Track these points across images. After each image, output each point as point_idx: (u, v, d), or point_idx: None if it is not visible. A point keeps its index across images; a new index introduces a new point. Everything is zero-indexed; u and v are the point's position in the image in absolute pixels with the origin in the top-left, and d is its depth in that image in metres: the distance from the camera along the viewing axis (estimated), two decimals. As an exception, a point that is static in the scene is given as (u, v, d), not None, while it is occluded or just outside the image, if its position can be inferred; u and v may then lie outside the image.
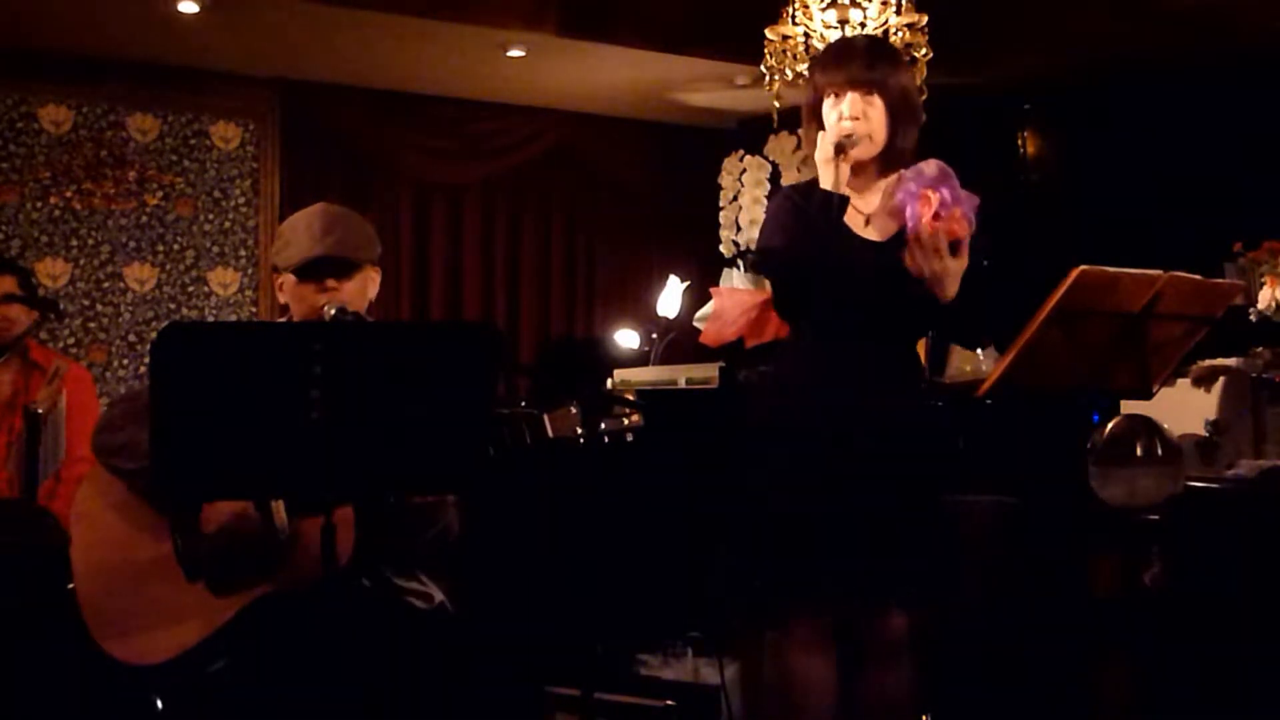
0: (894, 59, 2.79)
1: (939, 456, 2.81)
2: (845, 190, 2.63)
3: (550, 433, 2.51)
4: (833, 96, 2.70)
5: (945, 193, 2.63)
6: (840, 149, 2.63)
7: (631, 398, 2.56)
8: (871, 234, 2.72)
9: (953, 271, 2.60)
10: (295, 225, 2.62)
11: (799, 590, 2.66)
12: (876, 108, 2.67)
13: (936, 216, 2.60)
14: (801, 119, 2.82)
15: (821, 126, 2.72)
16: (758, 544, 2.72)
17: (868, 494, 2.63)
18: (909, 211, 2.63)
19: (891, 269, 2.63)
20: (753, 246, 5.48)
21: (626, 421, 2.55)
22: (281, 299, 2.65)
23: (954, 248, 2.60)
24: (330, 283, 2.55)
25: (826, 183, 2.64)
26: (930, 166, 2.68)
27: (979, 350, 4.01)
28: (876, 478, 2.64)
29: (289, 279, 2.59)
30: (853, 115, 2.66)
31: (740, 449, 2.81)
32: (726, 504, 2.92)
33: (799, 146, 4.95)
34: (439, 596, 2.59)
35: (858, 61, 2.69)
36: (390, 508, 2.46)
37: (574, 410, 2.52)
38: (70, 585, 2.43)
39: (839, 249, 2.63)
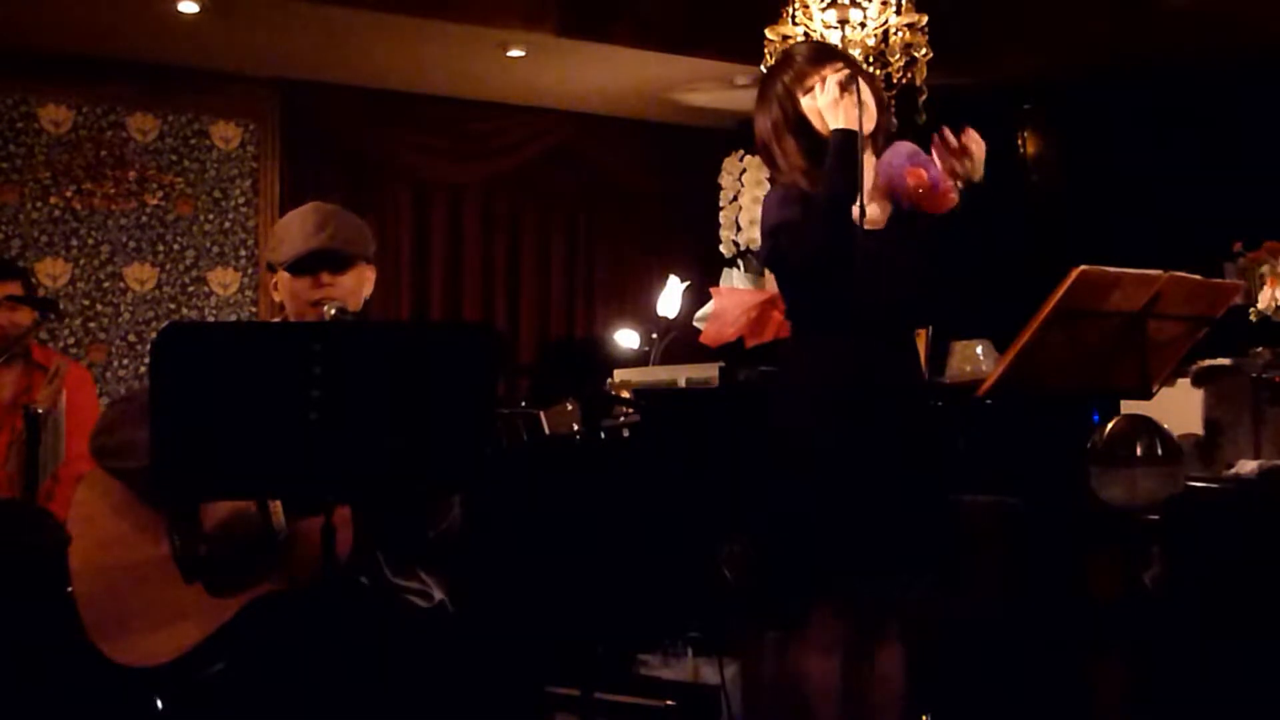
0: (843, 51, 2.86)
1: (948, 454, 2.83)
2: (858, 125, 2.60)
3: (547, 430, 2.51)
4: (809, 91, 2.70)
5: (932, 168, 2.65)
6: (845, 86, 2.62)
7: (628, 396, 2.55)
8: (867, 224, 2.72)
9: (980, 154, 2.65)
10: (289, 223, 2.62)
11: (829, 592, 2.66)
12: (864, 87, 2.67)
13: (931, 189, 2.63)
14: (771, 137, 2.77)
15: (795, 133, 2.72)
16: (784, 543, 2.71)
17: (890, 489, 2.64)
18: (903, 191, 2.66)
19: (892, 257, 2.65)
20: (753, 247, 5.49)
21: (623, 418, 2.54)
22: (276, 297, 2.65)
23: (946, 221, 2.65)
24: (325, 277, 2.55)
25: (838, 122, 2.62)
26: (903, 147, 2.70)
27: (979, 350, 4.02)
28: (898, 473, 2.65)
29: (283, 276, 2.58)
30: (841, 79, 2.66)
31: (761, 450, 2.80)
32: (739, 503, 2.91)
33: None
34: (439, 595, 2.59)
35: (815, 49, 2.77)
36: (400, 504, 2.47)
37: (571, 407, 2.52)
38: (69, 587, 2.43)
39: (851, 193, 2.60)
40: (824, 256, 2.62)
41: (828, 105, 2.64)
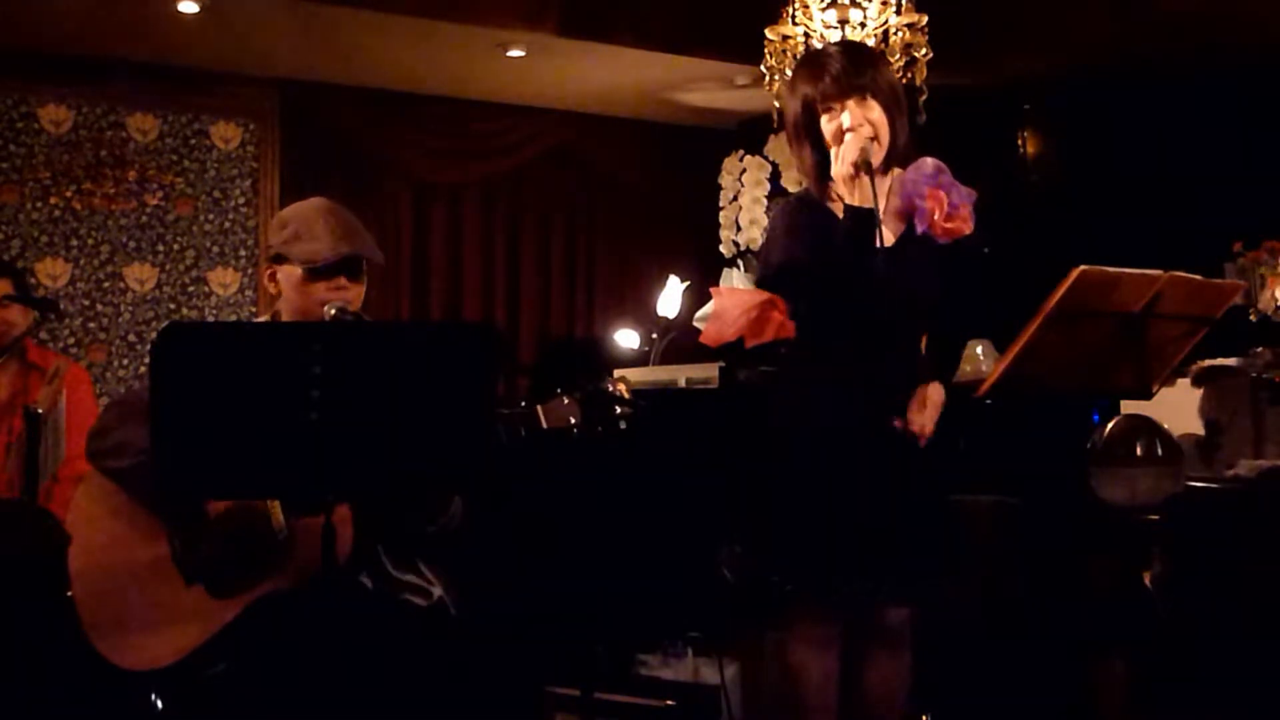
0: (875, 59, 2.79)
1: (946, 455, 2.83)
2: (873, 203, 2.58)
3: (544, 425, 2.51)
4: (829, 111, 2.68)
5: (954, 192, 2.64)
6: (861, 165, 2.60)
7: (626, 393, 2.55)
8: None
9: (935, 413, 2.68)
10: (307, 219, 2.58)
11: (814, 590, 2.66)
12: (875, 110, 2.66)
13: (947, 217, 2.62)
14: (791, 134, 2.79)
15: (811, 142, 2.72)
16: (774, 543, 2.72)
17: (883, 493, 2.64)
18: (919, 213, 2.65)
19: (899, 273, 2.65)
20: (753, 247, 5.48)
21: (619, 409, 2.53)
22: (273, 289, 2.62)
23: (958, 244, 2.64)
24: (342, 281, 2.54)
25: (855, 199, 2.61)
26: (927, 164, 2.69)
27: (979, 350, 4.02)
28: (891, 478, 2.65)
29: (293, 272, 2.56)
30: (854, 125, 2.64)
31: (755, 450, 2.81)
32: (736, 502, 2.91)
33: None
34: (438, 592, 2.59)
35: (845, 70, 2.67)
36: (400, 503, 2.47)
37: (567, 401, 2.51)
38: (69, 590, 2.43)
39: (863, 262, 2.59)
40: (821, 297, 2.68)
41: (842, 178, 2.62)
